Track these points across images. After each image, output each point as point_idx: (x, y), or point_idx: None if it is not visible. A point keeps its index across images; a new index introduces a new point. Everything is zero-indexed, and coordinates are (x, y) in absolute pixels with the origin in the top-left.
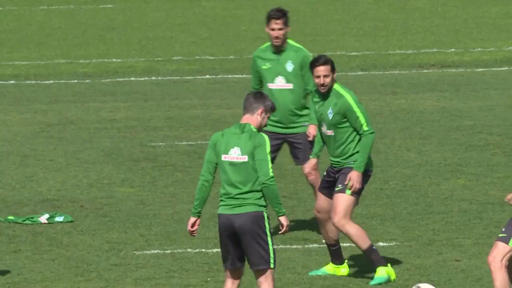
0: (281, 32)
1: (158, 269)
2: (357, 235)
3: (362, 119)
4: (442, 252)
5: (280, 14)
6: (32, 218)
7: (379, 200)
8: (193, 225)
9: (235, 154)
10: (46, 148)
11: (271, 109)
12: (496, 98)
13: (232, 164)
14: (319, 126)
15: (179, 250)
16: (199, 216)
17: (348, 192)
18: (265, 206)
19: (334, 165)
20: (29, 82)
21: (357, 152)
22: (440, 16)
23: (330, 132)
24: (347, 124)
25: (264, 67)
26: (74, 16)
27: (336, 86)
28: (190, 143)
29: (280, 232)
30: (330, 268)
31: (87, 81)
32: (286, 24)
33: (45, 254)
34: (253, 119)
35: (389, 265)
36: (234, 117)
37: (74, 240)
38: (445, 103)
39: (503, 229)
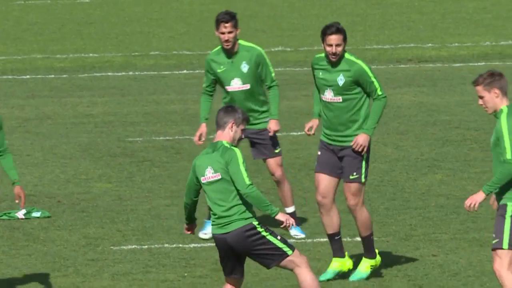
0: (231, 35)
1: (135, 264)
2: (363, 222)
3: (376, 84)
4: (419, 247)
5: (229, 17)
6: (9, 213)
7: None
8: (188, 230)
9: (209, 174)
10: (23, 143)
11: (243, 121)
12: (473, 93)
13: (209, 183)
14: (320, 94)
15: (156, 246)
16: (192, 223)
17: (363, 179)
18: (252, 216)
19: (335, 142)
20: (5, 77)
21: (359, 127)
22: (417, 11)
23: (337, 99)
24: (357, 91)
25: (219, 70)
26: (51, 11)
27: (346, 55)
28: (167, 138)
29: (281, 227)
30: (336, 265)
31: (64, 76)
32: (235, 26)
33: (22, 249)
34: (225, 134)
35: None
36: (211, 113)
37: (51, 236)
38: (422, 98)
39: (493, 235)
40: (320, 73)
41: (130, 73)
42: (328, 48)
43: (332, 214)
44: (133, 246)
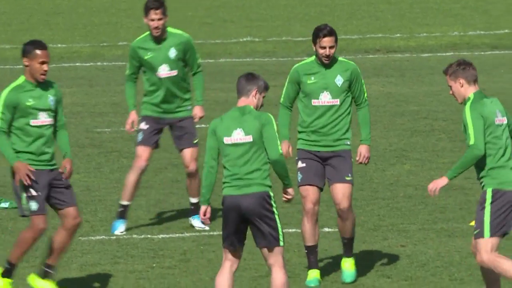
0: (161, 22)
1: (104, 255)
2: (353, 225)
3: (364, 87)
4: (388, 238)
5: (158, 4)
6: None
7: (325, 186)
8: (205, 213)
9: (238, 136)
10: None
11: (265, 88)
12: (442, 84)
13: (236, 145)
14: (310, 100)
15: (124, 236)
16: (209, 204)
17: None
18: (270, 186)
19: (325, 148)
20: None
21: (347, 130)
22: (385, 1)
23: (335, 101)
24: (349, 93)
25: (146, 57)
26: (19, 1)
27: (342, 58)
28: (114, 129)
29: (283, 199)
30: (315, 275)
31: None
32: (164, 14)
33: None
34: (249, 101)
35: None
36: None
37: (20, 226)
38: (390, 89)
39: (475, 225)
40: (312, 78)
41: (98, 63)
42: (321, 51)
43: (316, 225)
44: (102, 237)
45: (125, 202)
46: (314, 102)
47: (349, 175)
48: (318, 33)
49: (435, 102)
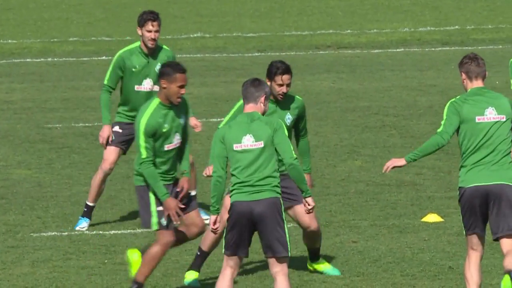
0: (157, 34)
1: (55, 251)
2: (321, 235)
3: (306, 120)
4: (339, 234)
5: (156, 16)
6: None
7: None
8: (214, 223)
9: (249, 142)
10: None
11: (270, 95)
12: (392, 80)
13: (246, 151)
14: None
15: (76, 232)
16: (218, 213)
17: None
18: (280, 194)
19: None
20: None
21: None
22: None
23: None
24: (293, 128)
25: (134, 69)
26: None
27: (291, 94)
28: (87, 124)
29: (308, 210)
30: (192, 275)
31: None
32: (159, 26)
33: None
34: (257, 107)
35: None
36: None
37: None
38: (341, 85)
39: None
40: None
41: (49, 59)
42: (278, 88)
43: (216, 239)
44: (53, 233)
45: (90, 203)
46: None
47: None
48: (276, 71)
49: (385, 98)
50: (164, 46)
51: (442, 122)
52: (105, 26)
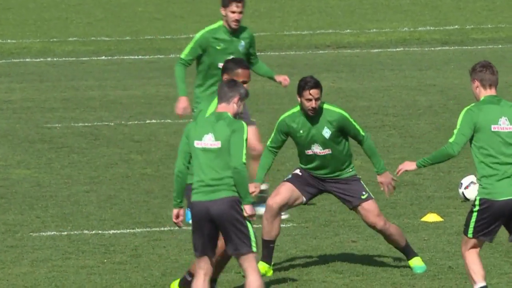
0: (241, 15)
1: (55, 251)
2: (397, 234)
3: (358, 126)
4: (339, 233)
5: None
6: None
7: (276, 181)
8: (177, 216)
9: (209, 141)
10: None
11: (246, 96)
12: (392, 79)
13: (205, 150)
14: (303, 149)
15: (75, 232)
16: (181, 207)
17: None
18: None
19: (325, 177)
20: None
21: (351, 163)
22: None
23: (327, 151)
24: (342, 137)
25: (218, 47)
26: None
27: (326, 106)
28: (86, 124)
29: (246, 216)
30: (261, 267)
31: None
32: (244, 7)
33: None
34: (229, 108)
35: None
36: (130, 98)
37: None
38: (340, 84)
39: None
40: (301, 131)
41: (49, 59)
42: (307, 104)
43: (275, 223)
44: (53, 233)
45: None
46: (307, 152)
47: (363, 193)
48: (304, 86)
49: (385, 98)
50: (243, 25)
51: (455, 131)
52: (105, 26)
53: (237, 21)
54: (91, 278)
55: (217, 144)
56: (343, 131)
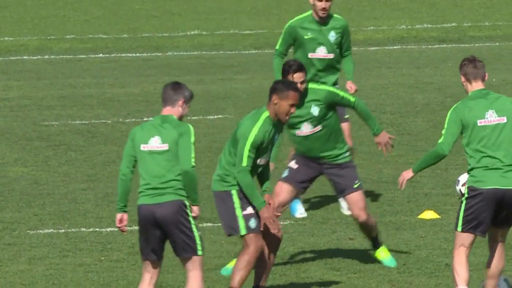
0: (328, 4)
1: (52, 249)
2: (373, 226)
3: (346, 95)
4: (336, 231)
5: None
6: None
7: (272, 178)
8: (120, 221)
9: (155, 143)
10: None
11: (191, 98)
12: (389, 77)
13: (151, 153)
14: (293, 131)
15: (73, 230)
16: (124, 211)
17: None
18: (186, 196)
19: (322, 160)
20: None
21: (343, 141)
22: None
23: (317, 128)
24: (331, 113)
25: (306, 36)
26: None
27: (312, 86)
28: (83, 122)
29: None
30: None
31: None
32: None
33: None
34: (174, 111)
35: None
36: (127, 96)
37: None
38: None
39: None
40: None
41: (46, 56)
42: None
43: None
44: (50, 230)
45: None
46: (297, 132)
47: (356, 181)
48: (288, 69)
49: (383, 96)
50: (336, 15)
51: (443, 132)
52: (102, 24)
53: (324, 9)
54: (89, 276)
55: (164, 147)
56: (332, 106)
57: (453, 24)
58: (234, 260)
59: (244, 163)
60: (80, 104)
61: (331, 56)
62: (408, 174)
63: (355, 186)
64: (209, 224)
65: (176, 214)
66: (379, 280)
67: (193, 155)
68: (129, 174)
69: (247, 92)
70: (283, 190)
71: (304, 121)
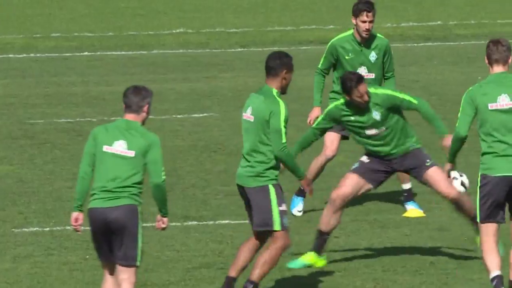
0: (371, 24)
1: (37, 247)
2: (469, 203)
3: (406, 97)
4: None
5: (372, 6)
6: None
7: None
8: (76, 220)
9: (120, 148)
10: None
11: (151, 97)
12: None
13: (115, 156)
14: (357, 137)
15: (58, 228)
16: (80, 211)
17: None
18: (140, 203)
19: (387, 157)
20: None
21: (411, 134)
22: None
23: (382, 130)
24: (394, 113)
25: (347, 57)
26: None
27: (370, 89)
28: (69, 120)
29: (157, 227)
30: (310, 258)
31: None
32: (374, 16)
33: None
34: (139, 117)
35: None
36: (113, 94)
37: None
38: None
39: None
40: (352, 118)
41: (31, 55)
42: (359, 99)
43: (336, 216)
44: (35, 229)
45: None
46: (363, 135)
47: (428, 160)
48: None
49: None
50: (378, 35)
51: (459, 115)
52: (88, 22)
53: (368, 30)
54: (74, 274)
55: (131, 153)
56: (394, 108)
57: (439, 22)
58: (306, 254)
59: (284, 139)
60: (65, 102)
61: (372, 75)
62: (446, 166)
63: (427, 164)
64: (194, 223)
65: (130, 218)
66: (363, 279)
67: (163, 168)
68: (90, 173)
69: (233, 91)
70: (348, 183)
71: (368, 126)
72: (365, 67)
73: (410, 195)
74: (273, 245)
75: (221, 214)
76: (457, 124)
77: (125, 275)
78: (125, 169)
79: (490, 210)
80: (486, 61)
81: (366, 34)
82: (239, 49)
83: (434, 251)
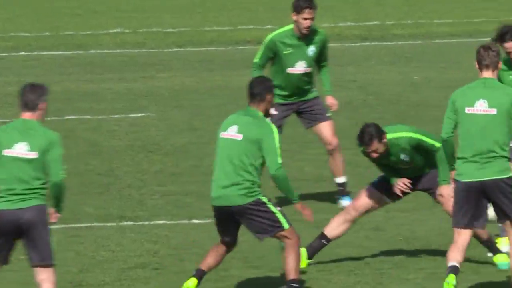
0: (312, 22)
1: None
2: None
3: (430, 141)
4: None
5: (314, 4)
6: None
7: (195, 177)
8: None
9: (21, 150)
10: None
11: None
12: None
13: (17, 159)
14: (388, 174)
15: None
16: None
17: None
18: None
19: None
20: None
21: (434, 160)
22: None
23: (410, 165)
24: (420, 153)
25: (285, 52)
26: None
27: (391, 137)
28: (4, 120)
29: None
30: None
31: None
32: (315, 13)
33: None
34: (36, 115)
35: None
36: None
37: None
38: None
39: None
40: (382, 162)
41: None
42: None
43: (344, 226)
44: None
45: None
46: (392, 172)
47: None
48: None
49: None
50: (316, 29)
51: (444, 120)
52: (24, 22)
53: (308, 27)
54: (6, 275)
55: (33, 155)
56: (419, 149)
57: (376, 22)
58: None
59: (280, 160)
60: (1, 103)
61: (309, 70)
62: (449, 186)
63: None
64: (129, 223)
65: (42, 218)
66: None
67: (61, 166)
68: None
69: (169, 90)
70: (365, 195)
71: (397, 168)
72: (304, 62)
73: (344, 190)
74: (289, 243)
75: (157, 215)
76: (442, 133)
77: (44, 275)
78: (30, 172)
79: (460, 215)
80: (476, 66)
81: (307, 31)
82: (176, 49)
83: (369, 251)
